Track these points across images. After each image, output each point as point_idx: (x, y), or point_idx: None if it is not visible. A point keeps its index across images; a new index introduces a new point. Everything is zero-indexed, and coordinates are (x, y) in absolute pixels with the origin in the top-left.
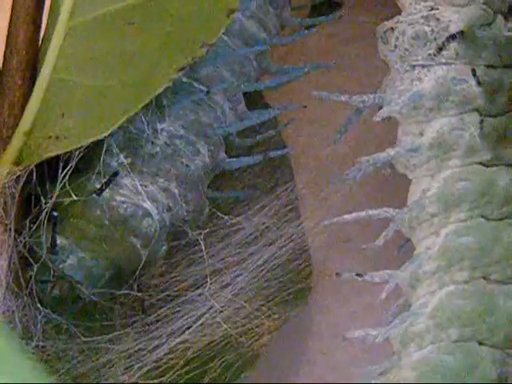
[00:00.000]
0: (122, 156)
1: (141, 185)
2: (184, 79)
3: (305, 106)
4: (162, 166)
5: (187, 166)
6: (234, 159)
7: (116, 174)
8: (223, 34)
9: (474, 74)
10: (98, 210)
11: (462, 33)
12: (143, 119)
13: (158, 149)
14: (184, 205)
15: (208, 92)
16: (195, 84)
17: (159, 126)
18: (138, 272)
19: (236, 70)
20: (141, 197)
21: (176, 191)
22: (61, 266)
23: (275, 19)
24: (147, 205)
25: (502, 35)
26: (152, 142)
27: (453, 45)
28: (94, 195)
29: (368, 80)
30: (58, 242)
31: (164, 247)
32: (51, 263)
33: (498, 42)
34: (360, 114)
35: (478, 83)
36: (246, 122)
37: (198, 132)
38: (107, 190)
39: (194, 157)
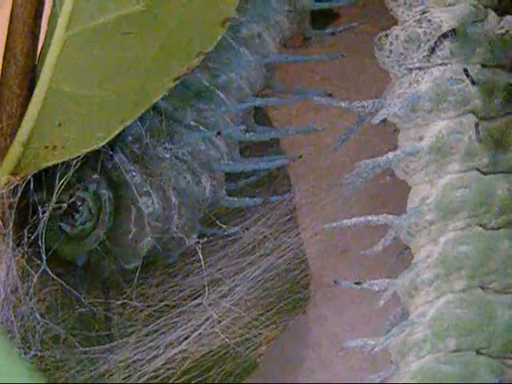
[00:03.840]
0: (134, 146)
1: (147, 174)
2: (192, 123)
3: (300, 156)
4: (166, 172)
5: (189, 182)
6: (235, 198)
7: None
8: (222, 93)
9: (467, 75)
10: (110, 164)
11: (454, 31)
12: (154, 134)
13: (168, 155)
14: (177, 216)
15: (219, 133)
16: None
17: (167, 146)
18: (133, 257)
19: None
20: (145, 183)
21: (173, 200)
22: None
23: (263, 81)
24: (150, 190)
25: (494, 32)
26: (165, 148)
27: (446, 43)
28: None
29: (367, 89)
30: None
31: (149, 239)
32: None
33: (491, 38)
34: (361, 123)
35: (472, 82)
36: (250, 164)
37: (203, 163)
38: (124, 156)
39: (196, 186)
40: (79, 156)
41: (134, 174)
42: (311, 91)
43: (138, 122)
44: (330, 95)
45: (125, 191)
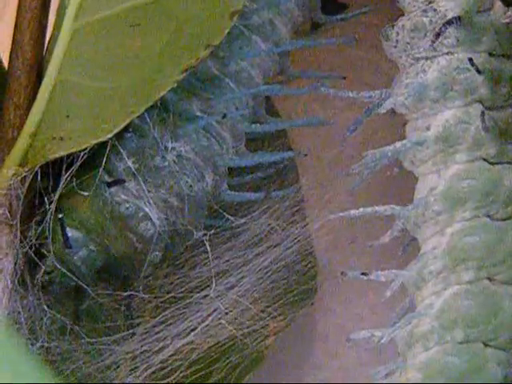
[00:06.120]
0: (130, 161)
1: (143, 190)
2: (198, 113)
3: (305, 155)
4: (166, 181)
5: (191, 186)
6: (236, 193)
7: (123, 181)
8: (232, 82)
9: (472, 64)
10: (101, 202)
11: (458, 18)
12: (155, 134)
13: (166, 163)
14: (181, 218)
15: (224, 115)
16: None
17: (170, 145)
18: (142, 273)
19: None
20: (142, 201)
21: (175, 204)
22: (75, 257)
23: (276, 66)
24: (148, 209)
25: (500, 22)
26: (162, 156)
27: (451, 31)
28: (102, 186)
29: (374, 81)
30: (70, 234)
31: (157, 253)
32: (63, 257)
33: (497, 28)
34: (369, 114)
35: (478, 71)
36: (255, 158)
37: (206, 159)
38: (116, 188)
39: (198, 182)
40: (86, 148)
41: (128, 205)
42: (326, 74)
43: (134, 135)
44: (344, 78)
45: (121, 222)
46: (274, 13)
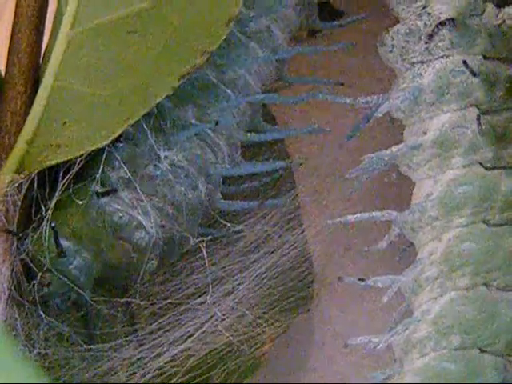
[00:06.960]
0: (122, 171)
1: (136, 199)
2: (193, 121)
3: (301, 164)
4: (160, 190)
5: (184, 194)
6: (230, 202)
7: (115, 190)
8: (229, 89)
9: (467, 66)
10: (94, 212)
11: (452, 20)
12: (149, 142)
13: (159, 172)
14: (176, 226)
15: (217, 123)
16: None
17: (163, 154)
18: (138, 281)
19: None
20: (136, 210)
21: (170, 212)
22: (69, 267)
23: (274, 73)
24: (141, 218)
25: (492, 24)
26: (155, 165)
27: (445, 32)
28: (94, 197)
29: (371, 88)
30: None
31: (153, 261)
32: (58, 267)
33: (491, 31)
34: (368, 120)
35: (473, 74)
36: (248, 168)
37: (199, 168)
38: (108, 198)
39: (192, 190)
40: (83, 154)
41: (121, 214)
42: (323, 81)
43: (126, 143)
44: (342, 84)
45: (115, 231)
46: (272, 20)
